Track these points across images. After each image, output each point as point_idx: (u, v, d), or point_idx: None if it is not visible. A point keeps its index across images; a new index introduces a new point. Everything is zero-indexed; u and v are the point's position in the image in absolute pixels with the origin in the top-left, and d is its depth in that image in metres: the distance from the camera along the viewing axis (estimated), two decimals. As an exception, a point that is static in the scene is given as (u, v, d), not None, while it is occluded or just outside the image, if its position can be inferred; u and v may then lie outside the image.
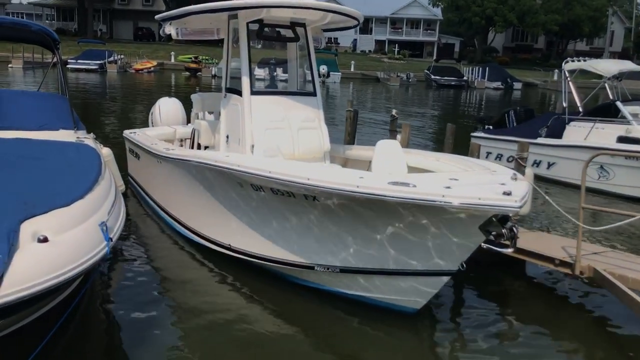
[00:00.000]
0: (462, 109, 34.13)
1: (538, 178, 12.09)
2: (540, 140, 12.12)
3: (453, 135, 8.91)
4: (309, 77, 8.06)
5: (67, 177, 4.99)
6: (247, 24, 7.26)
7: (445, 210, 4.63)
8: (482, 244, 4.90)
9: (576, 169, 11.56)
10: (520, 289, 6.69)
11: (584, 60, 12.95)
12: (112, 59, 46.95)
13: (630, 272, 5.65)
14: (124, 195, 8.41)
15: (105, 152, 7.72)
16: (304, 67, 8.23)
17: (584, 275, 5.88)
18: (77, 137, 6.78)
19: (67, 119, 7.22)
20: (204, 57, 50.34)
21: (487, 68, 52.92)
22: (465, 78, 51.96)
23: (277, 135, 7.13)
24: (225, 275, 6.50)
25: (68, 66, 45.22)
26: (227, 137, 7.59)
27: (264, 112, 7.16)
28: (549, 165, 12.14)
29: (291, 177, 5.10)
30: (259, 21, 7.26)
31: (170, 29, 8.00)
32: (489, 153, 13.63)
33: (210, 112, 9.59)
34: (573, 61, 12.73)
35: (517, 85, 50.99)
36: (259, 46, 8.26)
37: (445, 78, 50.23)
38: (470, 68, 55.37)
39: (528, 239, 6.76)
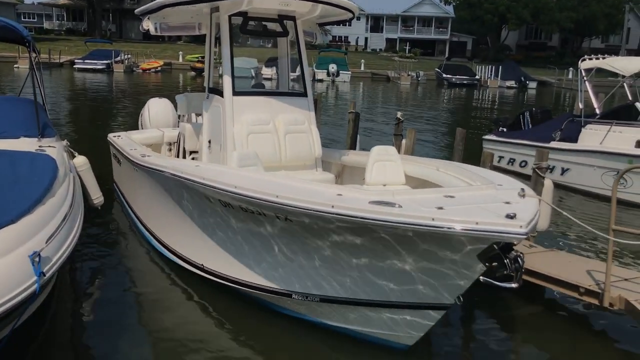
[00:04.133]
0: (475, 109, 33.07)
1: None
2: (553, 144, 11.24)
3: (464, 140, 8.03)
4: (303, 76, 7.28)
5: (6, 195, 4.27)
6: (230, 17, 6.53)
7: (436, 237, 3.84)
8: (481, 277, 4.07)
9: (592, 176, 10.79)
10: (536, 316, 5.81)
11: (602, 58, 11.96)
12: (119, 58, 46.44)
13: (671, 306, 4.78)
14: (105, 207, 7.70)
15: (80, 161, 7.03)
16: (295, 65, 7.44)
17: (614, 307, 5.02)
18: (40, 146, 6.09)
19: (31, 126, 6.53)
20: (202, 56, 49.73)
21: (501, 66, 51.56)
22: (477, 77, 50.83)
23: (261, 140, 6.39)
24: (197, 298, 5.80)
25: (75, 66, 45.16)
26: (209, 142, 6.87)
27: (247, 115, 6.42)
28: (563, 171, 11.25)
29: (257, 193, 4.33)
30: (243, 14, 6.51)
31: (148, 24, 7.23)
32: (501, 157, 12.77)
33: (198, 115, 8.83)
34: (590, 59, 11.75)
35: (532, 84, 49.60)
36: (254, 42, 7.49)
37: (457, 77, 49.13)
38: (483, 66, 54.16)
39: (546, 261, 5.95)
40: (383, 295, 4.49)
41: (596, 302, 5.13)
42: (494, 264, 3.87)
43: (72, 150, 7.22)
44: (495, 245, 3.77)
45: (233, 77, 6.53)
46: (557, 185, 11.02)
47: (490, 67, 52.67)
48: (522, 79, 49.43)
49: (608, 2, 69.85)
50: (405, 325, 4.57)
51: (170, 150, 9.31)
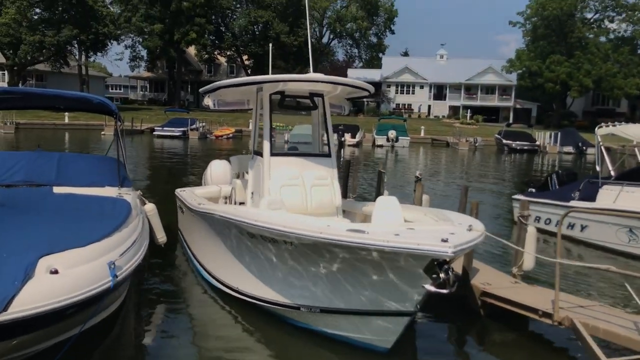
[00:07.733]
0: (533, 173, 33.69)
1: (572, 240, 12.17)
2: (572, 203, 12.25)
3: (467, 195, 9.43)
4: (329, 140, 8.91)
5: (94, 224, 6.05)
6: (270, 95, 8.30)
7: (392, 255, 5.03)
8: (424, 285, 5.20)
9: (607, 232, 11.66)
10: (509, 335, 6.95)
11: (618, 125, 13.19)
12: (194, 126, 50.47)
13: (602, 323, 5.87)
14: (168, 247, 9.48)
15: (149, 207, 8.84)
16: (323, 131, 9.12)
17: (562, 326, 6.14)
18: (119, 193, 7.96)
19: (113, 178, 8.46)
20: (278, 124, 52.81)
21: (560, 132, 51.82)
22: (537, 142, 51.22)
23: (291, 191, 7.95)
24: (234, 314, 7.24)
25: (154, 133, 49.40)
26: (252, 193, 8.52)
27: (280, 171, 8.04)
28: (582, 227, 12.17)
29: (268, 224, 5.84)
30: (281, 93, 8.28)
31: (208, 101, 9.21)
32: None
33: (247, 172, 10.62)
34: (607, 126, 13.01)
35: (591, 150, 49.33)
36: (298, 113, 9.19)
37: (517, 142, 49.72)
38: (542, 133, 54.46)
39: (521, 292, 7.12)
40: (361, 305, 5.76)
41: (549, 322, 6.27)
42: (433, 276, 5.15)
43: (144, 199, 9.11)
44: (435, 262, 5.06)
45: (271, 141, 8.22)
46: (577, 241, 12.04)
47: (550, 133, 52.94)
48: (580, 144, 49.30)
49: (676, 67, 68.96)
50: (380, 331, 5.80)
51: (225, 203, 11.10)
